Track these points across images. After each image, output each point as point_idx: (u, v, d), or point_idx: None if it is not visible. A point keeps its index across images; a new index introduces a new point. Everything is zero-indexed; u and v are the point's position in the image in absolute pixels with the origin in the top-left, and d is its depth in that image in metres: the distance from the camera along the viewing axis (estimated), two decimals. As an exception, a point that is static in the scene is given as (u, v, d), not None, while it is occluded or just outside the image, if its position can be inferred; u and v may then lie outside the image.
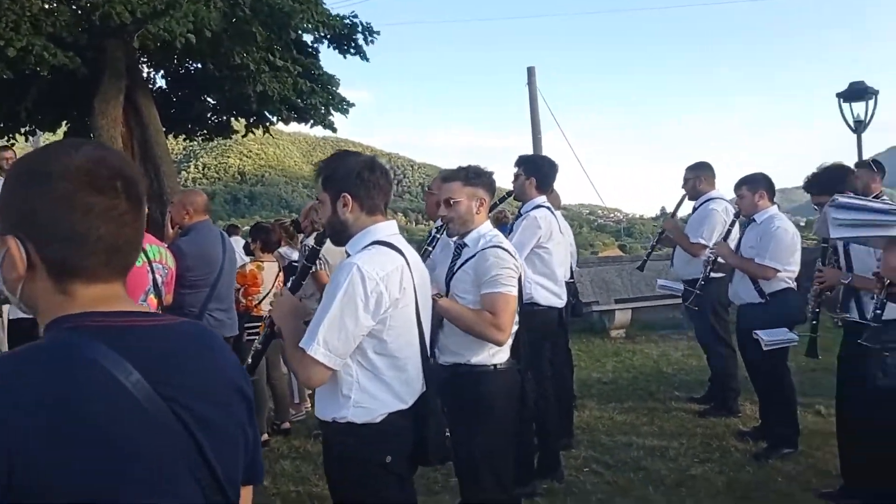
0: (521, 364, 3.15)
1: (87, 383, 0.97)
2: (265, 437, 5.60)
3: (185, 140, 10.94)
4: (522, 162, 4.62)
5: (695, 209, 6.00)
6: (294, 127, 10.87)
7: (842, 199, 3.15)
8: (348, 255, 2.34)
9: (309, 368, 2.19)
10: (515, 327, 3.11)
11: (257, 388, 5.58)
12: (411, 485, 2.52)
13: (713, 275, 5.44)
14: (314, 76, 9.46)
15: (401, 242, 2.37)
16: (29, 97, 8.06)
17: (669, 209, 6.69)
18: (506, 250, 3.01)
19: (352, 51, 9.93)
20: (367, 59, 10.01)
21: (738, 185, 5.12)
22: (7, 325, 5.59)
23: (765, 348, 4.68)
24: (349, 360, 2.23)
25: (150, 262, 4.22)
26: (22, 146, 10.39)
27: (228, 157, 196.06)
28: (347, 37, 9.84)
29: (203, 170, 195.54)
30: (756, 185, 5.00)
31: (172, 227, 5.23)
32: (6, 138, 9.00)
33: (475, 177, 3.15)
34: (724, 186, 6.06)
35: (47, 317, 1.08)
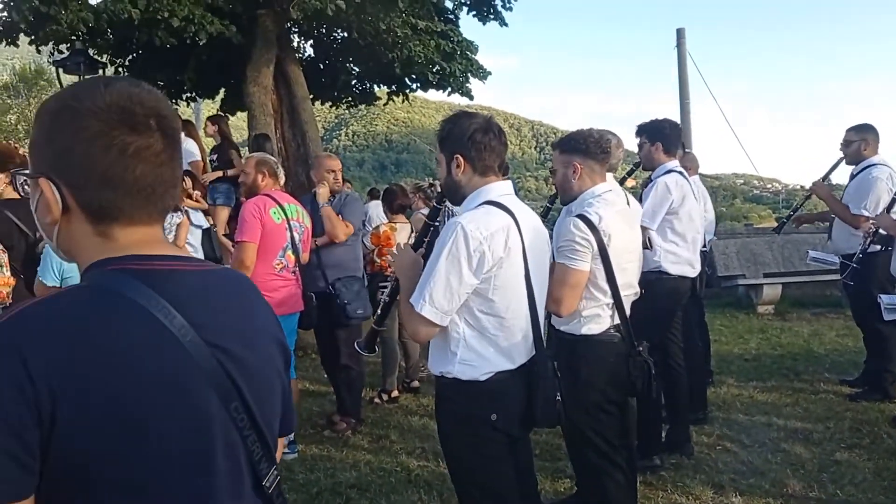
0: (626, 335, 3.01)
1: (131, 325, 0.94)
2: (395, 393, 5.79)
3: (331, 107, 11.30)
4: (643, 130, 4.42)
5: (853, 175, 5.51)
6: (439, 96, 11.02)
7: None
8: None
9: (416, 323, 2.24)
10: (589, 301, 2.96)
11: (388, 345, 5.75)
12: (526, 444, 2.50)
13: (872, 248, 4.99)
14: (454, 42, 9.45)
15: (513, 203, 2.35)
16: (190, 65, 8.61)
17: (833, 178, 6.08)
18: (586, 220, 2.84)
19: (491, 16, 9.84)
20: (506, 25, 9.87)
21: (906, 150, 4.67)
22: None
23: (885, 317, 4.26)
24: (456, 317, 2.25)
25: (288, 220, 4.44)
26: (183, 111, 11.18)
27: (377, 124, 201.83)
28: (486, 1, 9.75)
29: (352, 137, 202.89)
30: (926, 150, 4.53)
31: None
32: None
33: (566, 143, 3.11)
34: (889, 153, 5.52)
35: (86, 261, 1.03)
